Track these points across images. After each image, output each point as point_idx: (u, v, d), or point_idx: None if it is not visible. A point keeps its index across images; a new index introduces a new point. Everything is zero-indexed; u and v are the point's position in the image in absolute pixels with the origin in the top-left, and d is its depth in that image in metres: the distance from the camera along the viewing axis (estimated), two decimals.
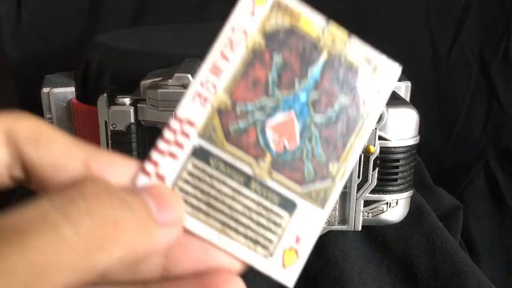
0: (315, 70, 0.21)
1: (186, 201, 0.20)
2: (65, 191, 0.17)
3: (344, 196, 0.36)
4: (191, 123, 0.20)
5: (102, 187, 0.17)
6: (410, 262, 0.43)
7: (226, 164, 0.20)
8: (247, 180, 0.20)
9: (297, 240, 0.20)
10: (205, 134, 0.20)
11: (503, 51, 0.66)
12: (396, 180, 0.36)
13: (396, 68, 0.22)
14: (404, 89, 0.46)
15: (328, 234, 0.37)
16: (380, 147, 0.35)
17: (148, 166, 0.20)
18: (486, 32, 0.67)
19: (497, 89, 0.66)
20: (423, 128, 0.37)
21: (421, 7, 0.67)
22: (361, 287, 0.44)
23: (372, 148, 0.35)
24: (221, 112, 0.20)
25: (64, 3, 0.63)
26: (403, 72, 0.51)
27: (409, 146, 0.36)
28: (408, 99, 0.45)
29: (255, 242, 0.20)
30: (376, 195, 0.36)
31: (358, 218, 0.37)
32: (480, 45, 0.67)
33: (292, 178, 0.21)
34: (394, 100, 0.37)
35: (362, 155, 0.35)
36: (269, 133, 0.21)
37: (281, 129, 0.21)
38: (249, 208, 0.20)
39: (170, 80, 0.33)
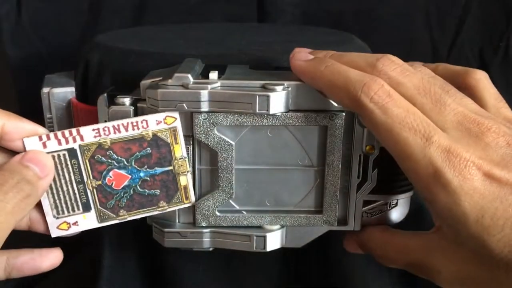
0: (158, 170, 0.35)
1: None
2: None
3: (344, 196, 0.36)
4: (82, 137, 0.33)
5: (15, 179, 0.30)
6: None
7: (79, 167, 0.34)
8: (80, 180, 0.34)
9: (75, 223, 0.35)
10: (83, 147, 0.33)
11: (503, 51, 0.66)
12: (396, 180, 0.36)
13: None
14: None
15: (328, 234, 0.37)
16: (380, 147, 0.35)
17: (44, 136, 0.32)
18: (486, 32, 0.67)
19: (497, 89, 0.66)
20: None
21: (421, 7, 0.67)
22: (361, 287, 0.44)
23: (372, 148, 0.35)
24: (100, 146, 0.33)
25: (64, 3, 0.63)
26: None
27: None
28: None
29: (58, 207, 0.34)
30: (376, 195, 0.36)
31: (358, 218, 0.37)
32: (480, 45, 0.67)
33: (100, 199, 0.34)
34: None
35: (362, 155, 0.35)
36: (110, 174, 0.34)
37: (117, 177, 0.34)
38: (72, 192, 0.34)
39: (170, 80, 0.33)
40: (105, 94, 0.35)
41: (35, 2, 0.63)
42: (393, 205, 0.37)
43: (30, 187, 0.30)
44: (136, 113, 0.35)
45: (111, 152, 0.33)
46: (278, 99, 0.33)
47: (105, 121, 0.35)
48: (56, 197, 0.34)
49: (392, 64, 0.31)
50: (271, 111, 0.33)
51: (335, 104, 0.34)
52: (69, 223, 0.34)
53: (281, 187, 0.37)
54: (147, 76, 0.36)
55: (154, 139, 0.34)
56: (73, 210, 0.34)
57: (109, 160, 0.34)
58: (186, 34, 0.51)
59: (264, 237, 0.36)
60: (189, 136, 0.35)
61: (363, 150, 0.35)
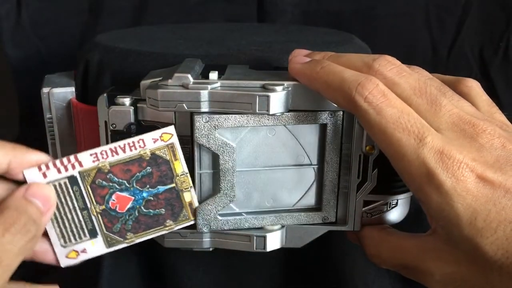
0: (161, 188, 0.34)
1: None
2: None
3: (344, 196, 0.36)
4: (80, 164, 0.33)
5: (24, 218, 0.29)
6: None
7: (81, 193, 0.33)
8: (84, 207, 0.34)
9: (84, 251, 0.34)
10: (83, 173, 0.33)
11: (503, 51, 0.66)
12: (396, 180, 0.36)
13: None
14: None
15: (328, 234, 0.37)
16: None
17: (43, 166, 0.32)
18: (486, 32, 0.67)
19: (497, 89, 0.66)
20: None
21: (421, 7, 0.67)
22: (360, 287, 0.44)
23: (372, 148, 0.35)
24: (99, 170, 0.33)
25: (64, 3, 0.64)
26: None
27: None
28: None
29: (65, 236, 0.34)
30: (376, 195, 0.36)
31: (358, 218, 0.37)
32: (480, 45, 0.67)
33: (106, 224, 0.34)
34: None
35: (362, 155, 0.35)
36: (113, 198, 0.34)
37: (120, 200, 0.34)
38: (77, 219, 0.34)
39: (170, 80, 0.33)
40: (105, 94, 0.35)
41: (35, 2, 0.63)
42: (393, 205, 0.37)
43: (35, 227, 0.30)
44: (136, 113, 0.35)
45: (111, 175, 0.33)
46: (278, 99, 0.33)
47: (105, 143, 0.35)
48: (61, 226, 0.33)
49: (388, 64, 0.31)
50: (271, 111, 0.33)
51: (335, 104, 0.34)
52: (77, 251, 0.34)
53: (280, 186, 0.37)
54: (147, 76, 0.36)
55: (153, 157, 0.33)
56: (80, 238, 0.34)
57: (110, 184, 0.33)
58: (186, 34, 0.51)
59: (264, 237, 0.36)
60: (189, 136, 0.35)
61: (363, 150, 0.35)
